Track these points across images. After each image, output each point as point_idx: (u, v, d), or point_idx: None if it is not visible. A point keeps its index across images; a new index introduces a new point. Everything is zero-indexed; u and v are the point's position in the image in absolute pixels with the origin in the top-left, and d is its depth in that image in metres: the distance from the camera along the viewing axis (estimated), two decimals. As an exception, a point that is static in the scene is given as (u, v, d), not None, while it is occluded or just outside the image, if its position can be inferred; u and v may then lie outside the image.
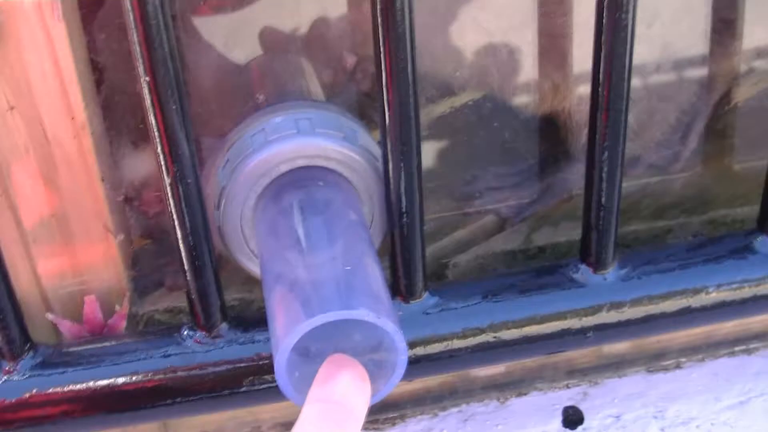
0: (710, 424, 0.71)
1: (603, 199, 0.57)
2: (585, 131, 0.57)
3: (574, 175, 0.67)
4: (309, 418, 0.42)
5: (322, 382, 0.44)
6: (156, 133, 0.50)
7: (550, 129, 0.67)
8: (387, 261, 0.57)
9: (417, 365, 0.59)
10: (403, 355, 0.45)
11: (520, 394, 0.74)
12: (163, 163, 0.51)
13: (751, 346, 0.76)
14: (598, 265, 0.60)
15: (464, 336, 0.59)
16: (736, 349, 0.76)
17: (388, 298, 0.48)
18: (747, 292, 0.62)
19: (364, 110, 0.62)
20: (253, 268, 0.59)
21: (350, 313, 0.44)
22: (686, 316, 0.62)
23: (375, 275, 0.49)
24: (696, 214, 0.70)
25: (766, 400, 0.72)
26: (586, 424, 0.72)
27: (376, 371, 0.48)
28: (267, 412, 0.69)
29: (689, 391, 0.73)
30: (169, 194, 0.52)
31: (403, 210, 0.55)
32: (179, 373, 0.57)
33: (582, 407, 0.73)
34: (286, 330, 0.44)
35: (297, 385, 0.45)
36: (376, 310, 0.44)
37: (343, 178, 0.57)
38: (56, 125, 0.57)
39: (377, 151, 0.57)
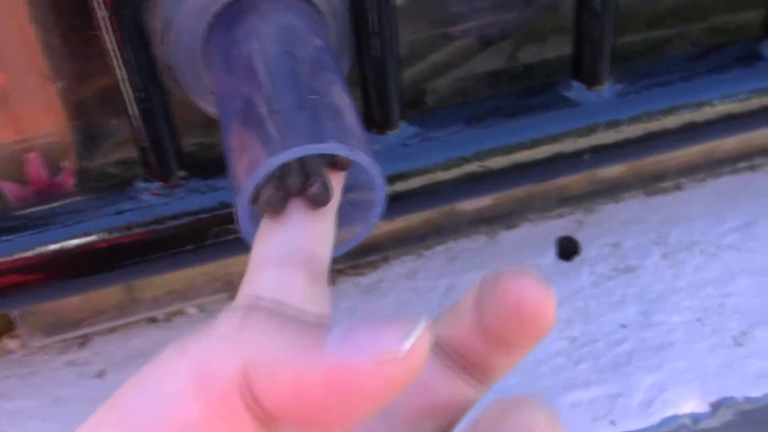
0: (715, 247, 0.67)
1: (596, 3, 0.51)
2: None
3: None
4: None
5: None
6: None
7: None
8: (359, 92, 0.51)
9: (398, 202, 0.54)
10: (381, 191, 0.40)
11: (510, 227, 0.70)
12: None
13: (755, 162, 0.72)
14: (592, 81, 0.55)
15: (448, 167, 0.54)
16: (739, 166, 0.72)
17: (361, 129, 0.42)
18: (755, 102, 0.57)
19: None
20: (210, 108, 0.54)
21: (318, 147, 0.38)
22: (690, 133, 0.57)
23: (345, 105, 0.43)
24: (695, 22, 0.64)
25: (774, 220, 0.68)
26: (583, 254, 0.68)
27: (354, 212, 0.43)
28: (239, 264, 0.64)
29: (691, 214, 0.69)
30: (107, 29, 0.47)
31: (374, 31, 0.49)
32: (136, 230, 0.52)
33: (577, 237, 0.69)
34: (246, 172, 0.38)
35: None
36: (347, 143, 0.39)
37: (303, -1, 0.50)
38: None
39: (340, -35, 0.50)
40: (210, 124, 0.58)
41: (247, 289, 0.35)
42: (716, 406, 0.59)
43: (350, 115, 0.42)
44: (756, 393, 0.60)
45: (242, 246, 0.42)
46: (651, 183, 0.70)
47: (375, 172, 0.39)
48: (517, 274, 0.28)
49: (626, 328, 0.63)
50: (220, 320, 0.25)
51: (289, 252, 0.36)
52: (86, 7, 0.47)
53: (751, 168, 0.71)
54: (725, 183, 0.71)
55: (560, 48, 0.61)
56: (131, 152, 0.58)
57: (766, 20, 0.58)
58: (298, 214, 0.38)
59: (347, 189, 0.43)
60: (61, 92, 0.56)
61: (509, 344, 0.29)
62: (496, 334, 0.29)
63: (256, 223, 0.40)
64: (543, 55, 0.62)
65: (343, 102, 0.43)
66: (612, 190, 0.70)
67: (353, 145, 0.39)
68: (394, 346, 0.23)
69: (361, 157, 0.38)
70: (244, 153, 0.40)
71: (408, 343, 0.23)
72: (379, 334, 0.23)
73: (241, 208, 0.38)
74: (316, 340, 0.23)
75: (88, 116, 0.58)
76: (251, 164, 0.38)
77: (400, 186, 0.53)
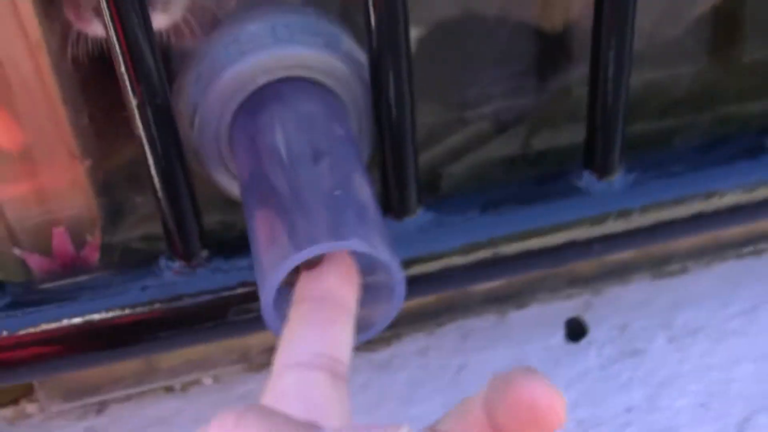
0: (719, 332, 0.68)
1: (609, 100, 0.53)
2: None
3: (576, 72, 0.62)
4: (297, 317, 0.39)
5: (306, 282, 0.41)
6: (118, 49, 0.45)
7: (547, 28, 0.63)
8: (377, 176, 0.53)
9: (414, 285, 0.54)
10: (400, 286, 0.41)
11: (519, 307, 0.71)
12: (128, 83, 0.47)
13: (760, 247, 0.73)
14: (603, 171, 0.56)
15: (463, 252, 0.55)
16: (744, 251, 0.73)
17: (380, 221, 0.44)
18: (762, 193, 0.59)
19: (348, 13, 0.57)
20: (234, 189, 0.55)
21: (342, 244, 0.40)
22: (698, 222, 0.58)
23: (366, 198, 0.45)
24: (705, 112, 0.66)
25: (779, 304, 0.69)
26: (590, 336, 0.69)
27: (371, 297, 0.44)
28: (256, 337, 0.65)
29: (697, 298, 0.70)
30: (138, 117, 0.48)
31: (393, 120, 0.51)
32: (158, 306, 0.53)
33: (585, 318, 0.70)
34: (272, 264, 0.40)
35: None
36: (368, 239, 0.40)
37: (326, 88, 0.52)
38: (8, 44, 0.52)
39: (362, 57, 0.52)
40: (231, 203, 0.59)
41: (271, 391, 0.36)
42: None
43: (371, 209, 0.44)
44: (757, 482, 0.61)
45: (262, 323, 0.44)
46: (658, 266, 0.72)
47: (395, 268, 0.41)
48: (528, 377, 0.30)
49: (632, 411, 0.64)
50: (213, 424, 0.26)
51: (310, 357, 0.37)
52: (115, 91, 0.48)
53: (756, 253, 0.72)
54: (731, 267, 0.72)
55: (573, 135, 0.62)
56: (155, 227, 0.59)
57: (771, 113, 0.60)
58: (319, 320, 0.39)
59: (367, 271, 0.44)
60: (88, 169, 0.58)
61: None
62: None
63: (280, 313, 0.41)
64: (556, 142, 0.64)
65: (364, 195, 0.45)
66: (620, 273, 0.71)
67: (374, 240, 0.41)
68: None
69: (382, 254, 0.40)
70: (270, 245, 0.41)
71: None
72: None
73: (266, 301, 0.40)
74: None
75: (113, 192, 0.60)
76: (276, 257, 0.40)
77: (416, 270, 0.55)
